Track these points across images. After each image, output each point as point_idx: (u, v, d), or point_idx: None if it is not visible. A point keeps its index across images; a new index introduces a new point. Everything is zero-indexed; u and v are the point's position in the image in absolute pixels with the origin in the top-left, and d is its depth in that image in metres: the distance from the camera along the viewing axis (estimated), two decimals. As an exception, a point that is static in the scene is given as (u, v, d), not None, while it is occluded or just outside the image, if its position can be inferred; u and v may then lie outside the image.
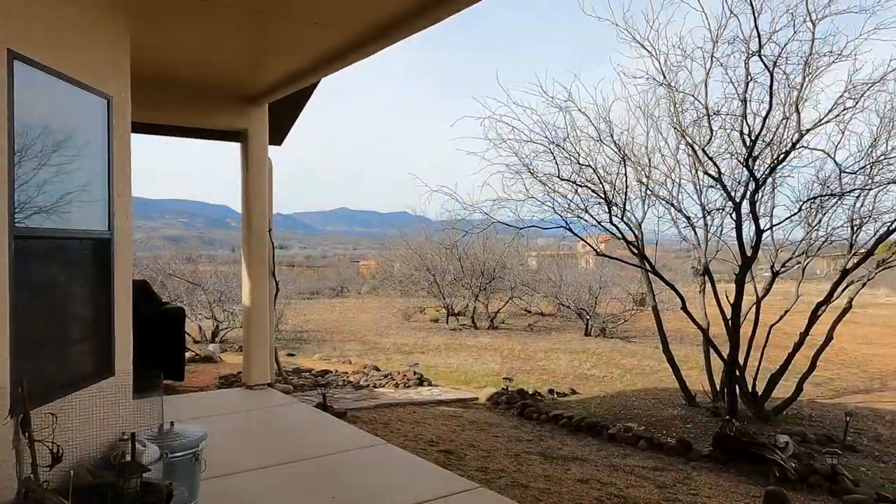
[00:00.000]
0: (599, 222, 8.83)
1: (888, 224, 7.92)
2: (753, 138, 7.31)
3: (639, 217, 9.32)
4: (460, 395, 10.01)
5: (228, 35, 5.55)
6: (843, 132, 7.85)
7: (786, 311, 9.44)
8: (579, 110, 8.03)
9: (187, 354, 11.27)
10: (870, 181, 7.81)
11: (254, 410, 7.25)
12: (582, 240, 9.12)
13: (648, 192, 9.25)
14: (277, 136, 8.98)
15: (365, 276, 49.61)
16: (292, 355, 14.41)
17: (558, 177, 8.04)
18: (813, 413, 9.67)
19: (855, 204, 8.57)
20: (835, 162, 7.71)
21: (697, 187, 9.11)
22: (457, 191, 8.51)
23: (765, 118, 7.19)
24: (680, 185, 9.34)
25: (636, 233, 9.02)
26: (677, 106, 8.12)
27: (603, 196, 8.23)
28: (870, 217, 8.68)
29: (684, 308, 9.03)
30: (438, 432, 7.62)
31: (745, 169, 7.83)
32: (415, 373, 11.05)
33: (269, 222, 8.04)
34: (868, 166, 7.77)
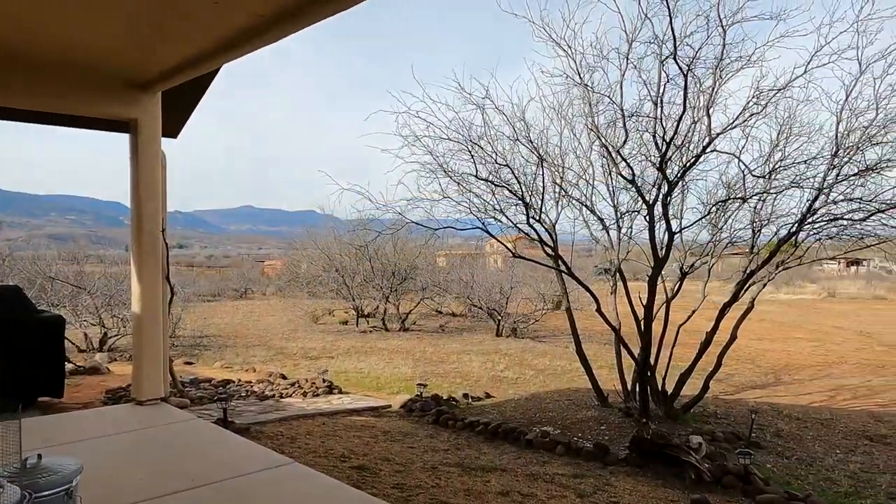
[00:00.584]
0: (515, 224, 8.66)
1: (789, 226, 8.21)
2: (667, 141, 7.34)
3: (553, 218, 9.25)
4: (372, 403, 9.59)
5: (110, 10, 4.89)
6: (747, 137, 8.06)
7: (693, 311, 9.63)
8: (496, 108, 7.82)
9: (69, 366, 10.22)
10: (769, 186, 8.06)
11: (144, 430, 6.53)
12: (499, 241, 8.94)
13: (563, 193, 9.19)
14: (173, 128, 8.22)
15: (270, 276, 48.00)
16: (190, 363, 13.47)
17: (475, 176, 7.80)
18: (718, 410, 9.94)
19: (756, 207, 8.88)
20: (744, 165, 7.89)
21: (611, 189, 9.13)
22: (369, 189, 8.09)
23: (678, 121, 7.23)
24: (594, 186, 9.34)
25: (551, 234, 8.92)
26: (593, 107, 8.07)
27: (520, 197, 8.05)
28: (769, 220, 9.03)
29: (599, 310, 9.02)
30: (350, 445, 7.18)
31: (658, 172, 7.88)
32: (324, 380, 10.52)
33: (162, 221, 7.29)
34: (767, 172, 8.01)
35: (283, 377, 11.34)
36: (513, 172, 7.83)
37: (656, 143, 7.81)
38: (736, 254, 10.56)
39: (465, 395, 10.35)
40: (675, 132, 7.24)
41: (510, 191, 7.95)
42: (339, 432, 7.86)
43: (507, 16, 7.51)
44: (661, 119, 7.53)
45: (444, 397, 10.06)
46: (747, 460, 6.22)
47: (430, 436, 8.15)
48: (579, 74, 8.00)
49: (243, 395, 9.80)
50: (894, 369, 14.42)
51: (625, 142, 7.90)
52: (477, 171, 7.66)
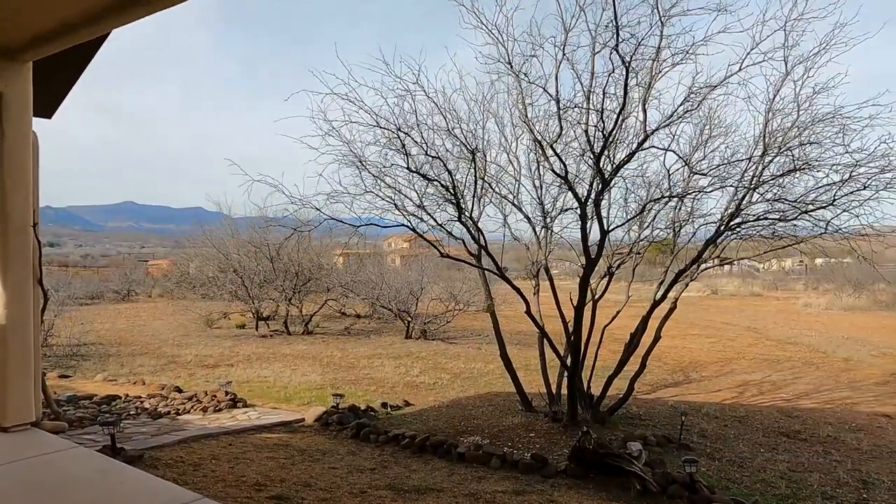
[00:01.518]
0: (441, 224, 8.10)
1: (717, 224, 8.17)
2: (606, 135, 7.04)
3: (476, 215, 8.79)
4: (284, 418, 8.72)
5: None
6: (674, 136, 7.92)
7: (617, 312, 9.50)
8: (426, 95, 7.21)
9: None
10: (707, 185, 7.99)
11: (10, 464, 5.40)
12: (425, 238, 8.32)
13: (487, 188, 8.74)
14: (46, 107, 6.97)
15: (156, 277, 44.89)
16: (67, 377, 11.92)
17: (407, 168, 7.15)
18: (640, 411, 9.86)
19: (678, 206, 8.83)
20: (684, 162, 7.75)
21: (539, 184, 8.79)
22: (282, 183, 7.25)
23: (618, 115, 6.93)
24: (519, 182, 8.96)
25: (480, 233, 8.44)
26: (525, 98, 7.66)
27: (452, 193, 7.50)
28: (689, 219, 9.02)
29: (529, 312, 8.63)
30: (264, 469, 6.34)
31: (592, 168, 7.59)
32: (226, 392, 9.51)
33: (34, 215, 6.13)
34: (703, 170, 7.93)
35: (179, 390, 10.18)
36: (445, 166, 7.26)
37: (588, 140, 7.50)
38: (698, 256, 10.56)
39: (384, 405, 9.67)
40: (616, 125, 6.93)
41: (442, 185, 7.38)
42: (249, 454, 6.98)
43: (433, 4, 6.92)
44: (599, 113, 7.21)
45: (362, 408, 9.35)
46: (693, 468, 5.99)
47: (352, 452, 7.43)
48: (510, 63, 7.55)
49: (133, 413, 8.64)
50: (788, 364, 15.15)
51: (559, 136, 7.53)
52: (408, 162, 7.01)
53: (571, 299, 8.45)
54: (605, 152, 7.26)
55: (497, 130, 8.44)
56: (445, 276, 21.91)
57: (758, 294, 42.43)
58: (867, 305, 30.52)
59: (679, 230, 9.09)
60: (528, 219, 9.03)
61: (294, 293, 18.53)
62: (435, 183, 7.40)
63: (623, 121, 7.44)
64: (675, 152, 7.57)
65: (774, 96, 7.55)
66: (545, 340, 9.33)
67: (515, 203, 8.90)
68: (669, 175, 8.25)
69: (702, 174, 7.85)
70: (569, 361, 8.77)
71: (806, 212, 7.48)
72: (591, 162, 7.66)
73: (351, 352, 15.88)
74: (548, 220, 9.12)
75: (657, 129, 7.32)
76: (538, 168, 8.59)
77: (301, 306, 19.56)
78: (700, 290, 44.40)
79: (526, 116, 7.63)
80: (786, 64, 7.32)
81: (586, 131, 7.48)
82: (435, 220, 8.11)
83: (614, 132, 7.03)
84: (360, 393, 11.03)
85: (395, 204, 7.56)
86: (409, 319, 17.86)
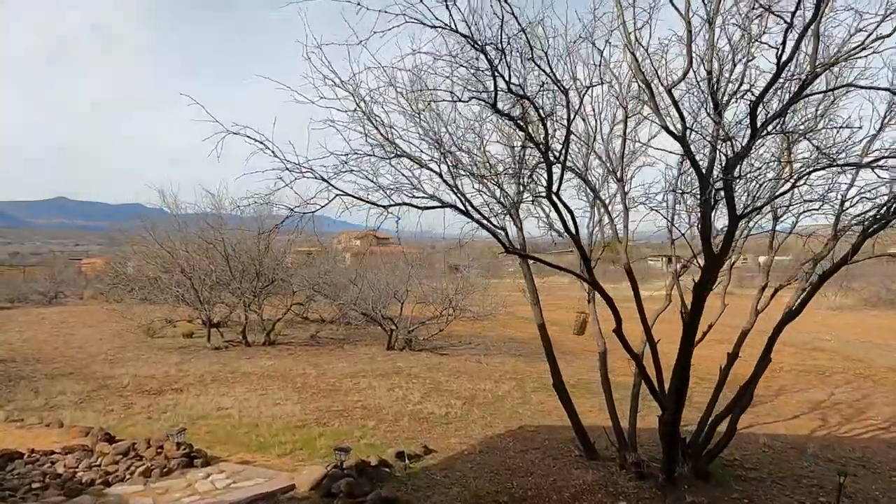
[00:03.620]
0: (513, 202, 5.58)
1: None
2: (781, 65, 4.65)
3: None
4: (266, 487, 6.02)
5: None
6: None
7: (710, 326, 7.25)
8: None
9: None
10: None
11: None
12: (484, 225, 5.76)
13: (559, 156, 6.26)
14: None
15: (90, 276, 40.73)
16: (-46, 416, 8.87)
17: (495, 109, 4.55)
18: (736, 454, 7.64)
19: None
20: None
21: (624, 150, 6.36)
22: (271, 140, 4.65)
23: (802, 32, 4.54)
24: (591, 149, 6.53)
25: (565, 217, 5.95)
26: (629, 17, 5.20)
27: (547, 151, 4.93)
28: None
29: (619, 332, 6.17)
30: None
31: (715, 123, 5.22)
32: (179, 444, 6.74)
33: None
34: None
35: (110, 438, 7.33)
36: (537, 110, 4.66)
37: (715, 82, 5.14)
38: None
39: (400, 455, 7.08)
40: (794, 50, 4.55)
41: (532, 141, 4.83)
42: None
43: None
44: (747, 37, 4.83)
45: (373, 462, 6.74)
46: None
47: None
48: None
49: (37, 485, 5.82)
50: (839, 377, 13.26)
51: (684, 75, 5.11)
52: (495, 99, 4.39)
53: (683, 311, 6.07)
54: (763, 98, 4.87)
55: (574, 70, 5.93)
56: (429, 275, 19.26)
57: (730, 293, 41.23)
58: (854, 304, 29.47)
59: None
60: (602, 203, 6.60)
61: (254, 297, 15.61)
62: (515, 142, 4.88)
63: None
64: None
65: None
66: (640, 368, 6.93)
67: (585, 176, 6.45)
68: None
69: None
70: (671, 399, 6.39)
71: None
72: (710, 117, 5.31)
73: (327, 368, 13.16)
74: (628, 201, 6.73)
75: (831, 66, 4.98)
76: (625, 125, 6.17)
77: (261, 312, 16.65)
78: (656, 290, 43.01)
79: (632, 38, 5.17)
80: None
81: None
82: (502, 198, 5.60)
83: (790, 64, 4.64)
84: (355, 432, 8.41)
85: (443, 172, 5.01)
86: (394, 327, 15.17)
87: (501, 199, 6.39)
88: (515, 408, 9.96)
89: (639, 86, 5.49)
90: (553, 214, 6.21)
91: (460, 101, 4.52)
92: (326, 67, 4.98)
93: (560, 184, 5.01)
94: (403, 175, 5.33)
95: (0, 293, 31.36)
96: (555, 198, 5.03)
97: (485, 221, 5.59)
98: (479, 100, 4.47)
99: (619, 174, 6.64)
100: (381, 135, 5.46)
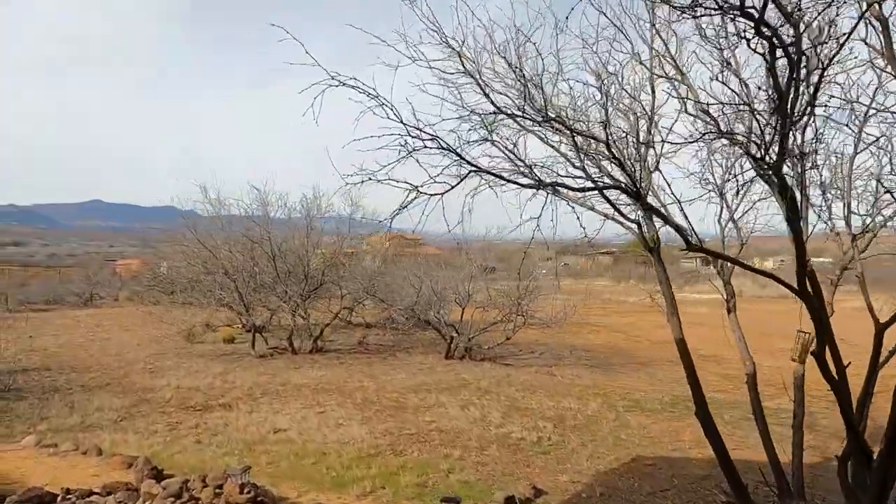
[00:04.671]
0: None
1: None
2: None
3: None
4: (357, 548, 4.76)
5: None
6: None
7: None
8: None
9: None
10: None
11: None
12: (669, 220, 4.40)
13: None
14: None
15: (124, 278, 40.25)
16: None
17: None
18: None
19: None
20: None
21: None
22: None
23: None
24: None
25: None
26: None
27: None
28: None
29: (820, 353, 4.74)
30: None
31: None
32: (242, 487, 5.50)
33: None
34: None
35: (158, 473, 6.13)
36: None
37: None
38: None
39: (510, 501, 5.75)
40: None
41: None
42: None
43: None
44: None
45: (480, 511, 5.43)
46: None
47: None
48: None
49: (72, 544, 4.62)
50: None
51: None
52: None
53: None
54: None
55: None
56: (474, 276, 17.88)
57: (783, 296, 38.88)
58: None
59: None
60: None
61: (302, 300, 14.42)
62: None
63: None
64: None
65: None
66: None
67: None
68: None
69: None
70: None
71: None
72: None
73: (385, 380, 11.92)
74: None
75: None
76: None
77: (307, 317, 15.47)
78: (702, 293, 40.85)
79: None
80: None
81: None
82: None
83: None
84: (440, 463, 7.10)
85: (610, 144, 3.68)
86: (456, 334, 13.81)
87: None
88: (615, 432, 8.57)
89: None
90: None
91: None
92: (428, 20, 3.71)
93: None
94: (552, 149, 4.00)
95: (37, 294, 30.84)
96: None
97: (662, 210, 4.23)
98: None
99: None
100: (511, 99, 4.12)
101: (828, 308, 5.02)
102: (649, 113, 4.69)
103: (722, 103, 4.11)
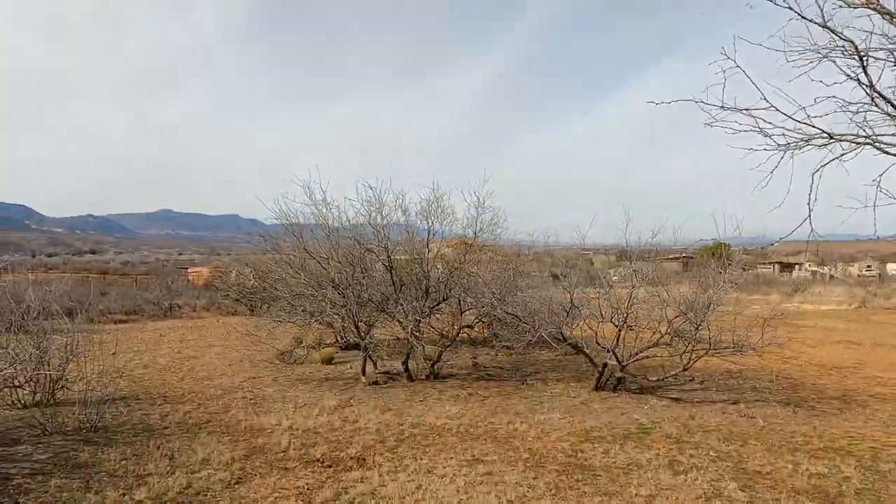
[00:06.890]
0: None
1: None
2: None
3: None
4: None
5: None
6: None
7: None
8: None
9: None
10: None
11: None
12: None
13: None
14: None
15: (198, 286, 39.44)
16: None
17: None
18: None
19: None
20: None
21: None
22: None
23: None
24: None
25: None
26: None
27: None
28: None
29: None
30: None
31: None
32: None
33: None
34: None
35: None
36: None
37: None
38: None
39: None
40: None
41: None
42: None
43: None
44: None
45: None
46: None
47: None
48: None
49: None
50: None
51: None
52: None
53: None
54: None
55: None
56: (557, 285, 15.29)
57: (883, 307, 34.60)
58: None
59: None
60: None
61: (422, 317, 12.21)
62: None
63: None
64: None
65: None
66: None
67: None
68: None
69: None
70: None
71: None
72: None
73: (541, 422, 9.54)
74: None
75: None
76: None
77: (422, 335, 13.26)
78: (781, 299, 36.81)
79: None
80: None
81: None
82: None
83: None
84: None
85: None
86: (615, 361, 11.25)
87: None
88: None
89: None
90: None
91: None
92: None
93: None
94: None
95: (116, 304, 29.94)
96: None
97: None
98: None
99: None
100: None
101: None
102: None
103: None
